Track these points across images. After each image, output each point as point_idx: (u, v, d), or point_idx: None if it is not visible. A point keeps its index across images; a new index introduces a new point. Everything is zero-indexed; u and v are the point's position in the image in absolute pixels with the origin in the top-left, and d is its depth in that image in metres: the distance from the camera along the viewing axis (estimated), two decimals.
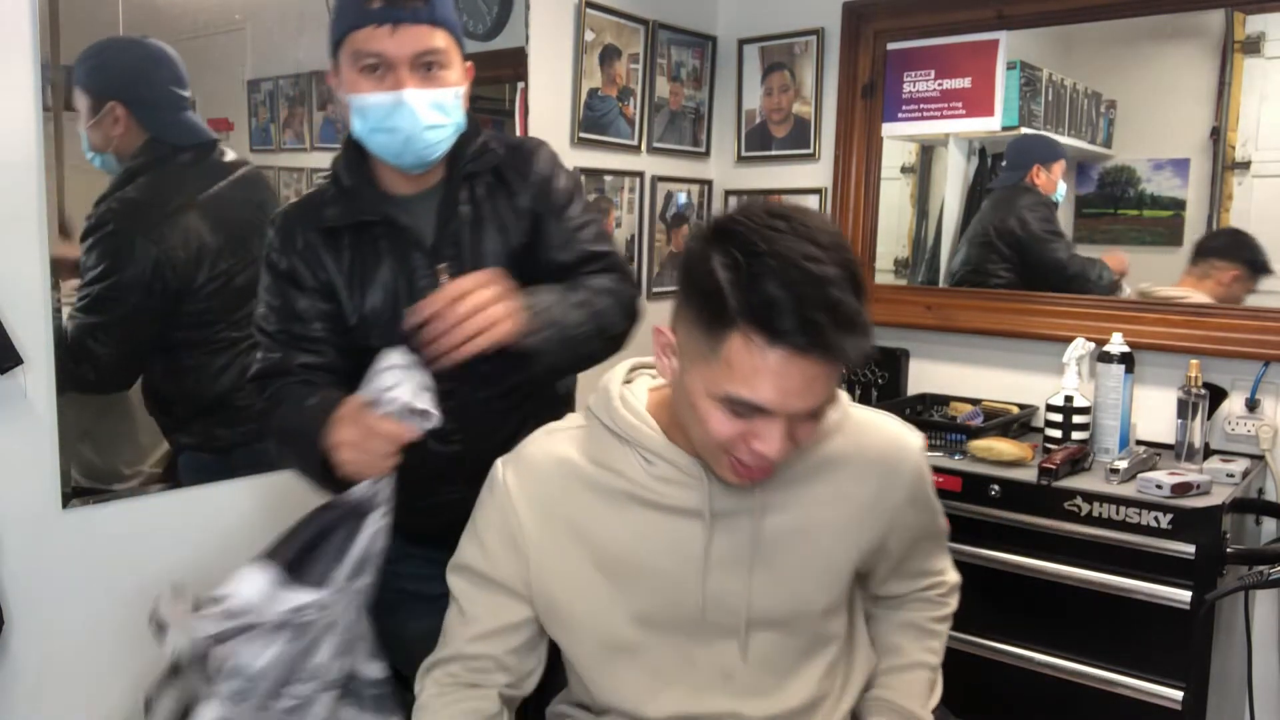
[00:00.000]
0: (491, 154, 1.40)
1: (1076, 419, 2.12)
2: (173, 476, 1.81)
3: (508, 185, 1.41)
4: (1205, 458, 2.04)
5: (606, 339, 1.38)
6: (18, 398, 1.57)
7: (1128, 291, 2.33)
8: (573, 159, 2.47)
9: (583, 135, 2.50)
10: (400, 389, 1.15)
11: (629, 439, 1.11)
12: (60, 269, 1.60)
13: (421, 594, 1.38)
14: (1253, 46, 2.14)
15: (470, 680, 1.14)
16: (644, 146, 2.71)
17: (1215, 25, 2.18)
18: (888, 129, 2.60)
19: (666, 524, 1.10)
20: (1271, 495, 2.11)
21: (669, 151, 2.80)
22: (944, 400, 2.48)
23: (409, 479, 1.19)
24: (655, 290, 2.79)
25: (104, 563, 1.71)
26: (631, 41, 2.62)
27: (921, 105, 2.53)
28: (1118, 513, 1.82)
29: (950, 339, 2.53)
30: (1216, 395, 2.11)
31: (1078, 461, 1.99)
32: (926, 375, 2.59)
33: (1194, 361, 2.06)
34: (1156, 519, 1.78)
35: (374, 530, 1.15)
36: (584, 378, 1.52)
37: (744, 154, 2.89)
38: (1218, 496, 1.82)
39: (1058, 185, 2.42)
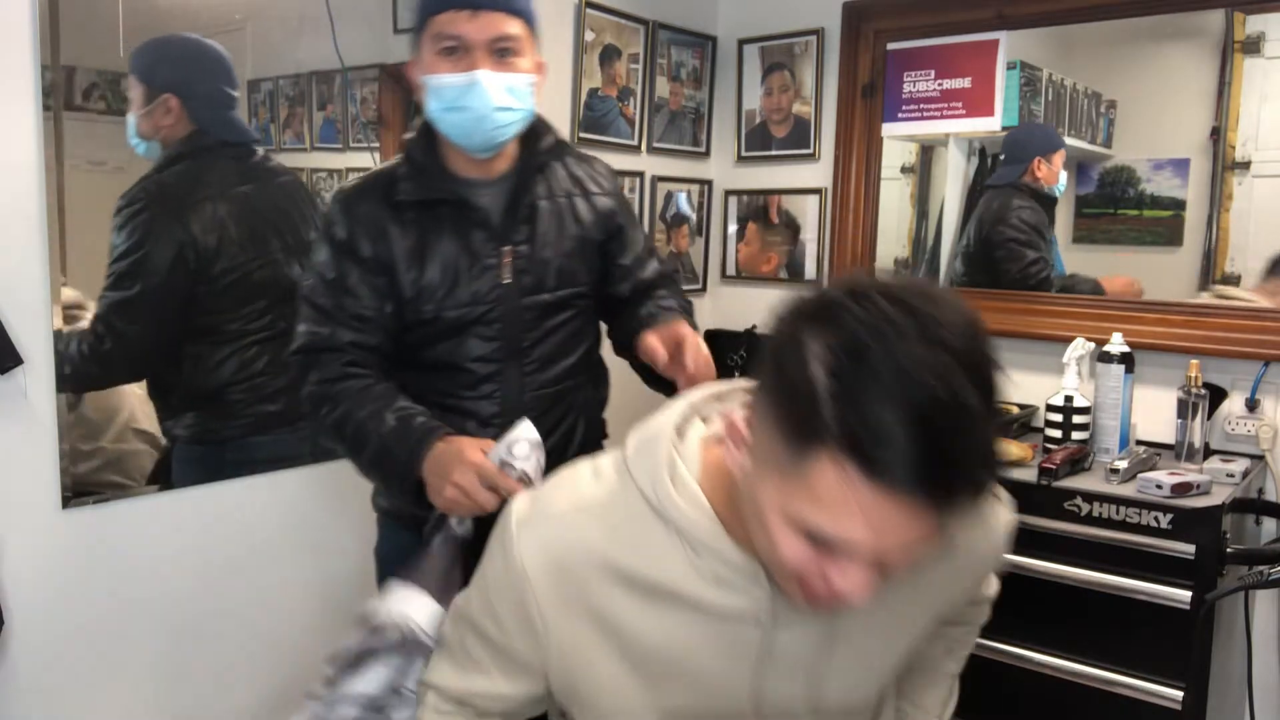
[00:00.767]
0: (564, 147, 1.51)
1: (1076, 419, 2.12)
2: (166, 475, 1.80)
3: (581, 184, 1.53)
4: (1205, 458, 2.04)
5: None
6: (18, 398, 1.57)
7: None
8: None
9: (583, 135, 2.50)
10: (529, 463, 1.22)
11: (674, 524, 0.91)
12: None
13: None
14: (1253, 46, 2.13)
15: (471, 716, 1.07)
16: (644, 146, 2.71)
17: (1215, 25, 2.18)
18: (888, 129, 2.60)
19: (713, 628, 0.93)
20: (1271, 495, 2.11)
21: (669, 151, 2.80)
22: None
23: None
24: None
25: (104, 563, 1.71)
26: (631, 41, 2.62)
27: (921, 105, 2.53)
28: (1118, 513, 1.82)
29: None
30: (1216, 395, 2.11)
31: (1078, 461, 1.99)
32: None
33: (1194, 361, 2.05)
34: (1156, 519, 1.78)
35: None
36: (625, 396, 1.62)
37: (744, 154, 2.89)
38: (1218, 496, 1.82)
39: (1059, 176, 2.40)
